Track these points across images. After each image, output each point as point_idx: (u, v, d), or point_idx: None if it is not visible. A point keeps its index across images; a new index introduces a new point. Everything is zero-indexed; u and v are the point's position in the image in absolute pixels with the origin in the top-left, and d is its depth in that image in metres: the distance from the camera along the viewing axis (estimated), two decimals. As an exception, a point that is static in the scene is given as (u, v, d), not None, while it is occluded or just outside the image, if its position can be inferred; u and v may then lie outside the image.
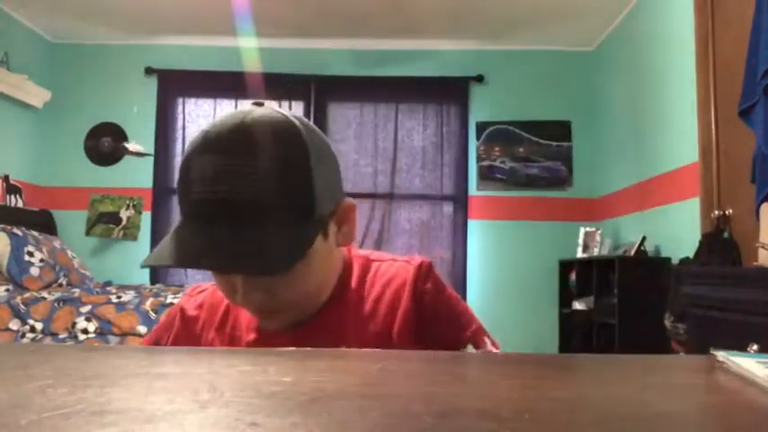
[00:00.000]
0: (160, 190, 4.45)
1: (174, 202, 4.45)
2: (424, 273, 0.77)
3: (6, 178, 3.99)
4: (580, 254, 3.94)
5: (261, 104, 0.69)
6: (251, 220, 0.63)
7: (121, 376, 0.44)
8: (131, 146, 4.10)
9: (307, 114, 4.46)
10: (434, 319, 0.75)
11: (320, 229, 0.69)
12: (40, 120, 4.36)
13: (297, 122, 0.68)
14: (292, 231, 0.65)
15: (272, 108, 0.69)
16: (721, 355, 0.52)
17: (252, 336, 0.76)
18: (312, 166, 0.66)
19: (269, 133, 0.65)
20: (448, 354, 0.69)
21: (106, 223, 4.42)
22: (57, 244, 3.81)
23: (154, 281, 4.30)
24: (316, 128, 0.72)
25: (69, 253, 3.86)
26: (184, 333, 0.80)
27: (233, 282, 0.68)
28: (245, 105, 0.69)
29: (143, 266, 0.65)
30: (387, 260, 0.80)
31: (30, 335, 2.80)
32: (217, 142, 0.64)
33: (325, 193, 0.68)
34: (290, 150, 0.66)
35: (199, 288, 0.86)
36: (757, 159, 1.95)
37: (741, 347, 0.55)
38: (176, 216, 3.68)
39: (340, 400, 0.37)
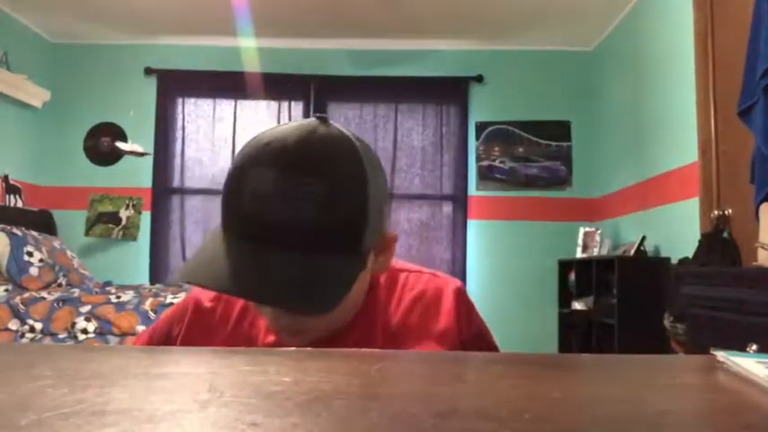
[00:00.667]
0: (160, 190, 4.45)
1: (174, 203, 4.46)
2: (466, 298, 0.77)
3: (6, 178, 3.99)
4: (579, 254, 3.94)
5: (325, 119, 0.65)
6: (301, 248, 0.59)
7: (121, 376, 0.44)
8: (125, 146, 4.10)
9: (306, 114, 4.46)
10: (473, 344, 0.75)
11: (365, 262, 0.66)
12: (40, 120, 4.36)
13: (359, 147, 0.64)
14: (340, 266, 0.61)
15: (337, 127, 0.65)
16: (721, 355, 0.52)
17: (270, 338, 0.73)
18: (369, 198, 0.62)
19: (333, 158, 0.61)
20: (448, 354, 0.69)
21: (106, 223, 4.42)
22: (56, 244, 3.81)
23: (153, 281, 4.31)
24: (372, 149, 0.68)
25: (69, 253, 3.86)
26: (198, 324, 0.77)
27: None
28: (310, 119, 0.64)
29: (182, 281, 0.59)
30: (413, 271, 0.79)
31: (29, 335, 2.80)
32: (277, 157, 0.59)
33: (375, 226, 0.65)
34: (351, 180, 0.61)
35: None
36: (756, 159, 1.95)
37: (741, 347, 0.55)
38: (176, 216, 3.64)
39: (340, 400, 0.37)
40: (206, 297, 0.78)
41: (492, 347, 0.78)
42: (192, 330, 0.77)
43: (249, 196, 0.59)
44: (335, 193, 0.60)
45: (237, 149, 3.66)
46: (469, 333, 0.75)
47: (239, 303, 0.77)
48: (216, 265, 0.60)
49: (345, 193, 0.61)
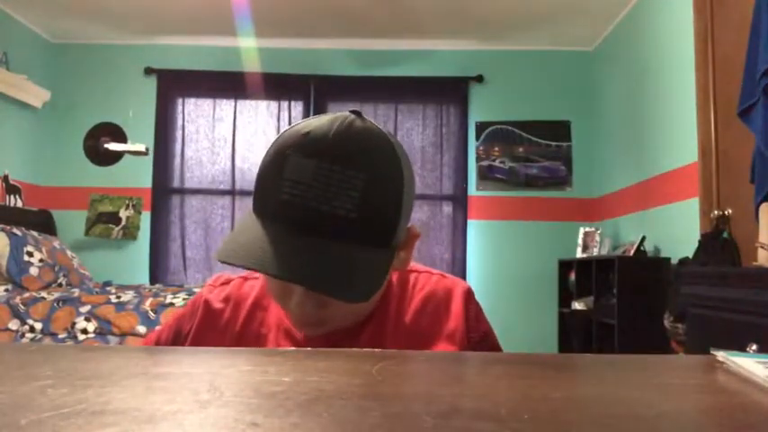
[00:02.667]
0: (159, 190, 4.45)
1: (174, 203, 4.46)
2: (474, 299, 0.78)
3: (6, 178, 3.99)
4: (579, 254, 3.95)
5: (359, 113, 0.66)
6: (339, 236, 0.60)
7: (121, 376, 0.44)
8: (119, 146, 4.11)
9: (306, 114, 4.46)
10: (480, 345, 0.76)
11: (394, 256, 0.66)
12: (40, 120, 4.36)
13: (394, 143, 0.66)
14: (375, 257, 0.62)
15: (372, 121, 0.67)
16: (721, 355, 0.52)
17: (282, 340, 0.74)
18: (404, 193, 0.64)
19: (372, 150, 0.62)
20: (448, 354, 0.69)
21: (105, 223, 4.42)
22: (56, 244, 3.81)
23: (153, 281, 4.31)
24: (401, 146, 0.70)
25: (69, 253, 3.86)
26: (208, 325, 0.77)
27: (290, 289, 0.66)
28: (344, 112, 0.65)
29: (221, 260, 0.59)
30: (422, 272, 0.80)
31: (29, 335, 2.80)
32: (319, 146, 0.60)
33: (405, 221, 0.67)
34: (389, 174, 0.63)
35: (222, 279, 0.82)
36: (756, 159, 1.95)
37: (741, 347, 0.55)
38: (176, 216, 3.64)
39: (340, 400, 0.37)
40: (215, 298, 0.79)
41: (496, 349, 0.79)
42: (202, 329, 0.78)
43: (289, 183, 0.60)
44: (374, 186, 0.60)
45: (237, 149, 3.67)
46: (477, 333, 0.75)
47: (247, 304, 0.78)
48: (254, 247, 0.60)
49: (383, 186, 0.62)
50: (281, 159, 0.61)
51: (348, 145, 0.61)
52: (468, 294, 0.78)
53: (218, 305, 0.78)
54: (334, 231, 0.60)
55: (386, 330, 0.74)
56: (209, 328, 0.77)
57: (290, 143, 0.62)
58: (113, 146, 4.14)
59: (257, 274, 0.81)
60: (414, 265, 0.80)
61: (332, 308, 0.67)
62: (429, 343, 0.73)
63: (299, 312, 0.67)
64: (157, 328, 0.87)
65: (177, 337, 0.79)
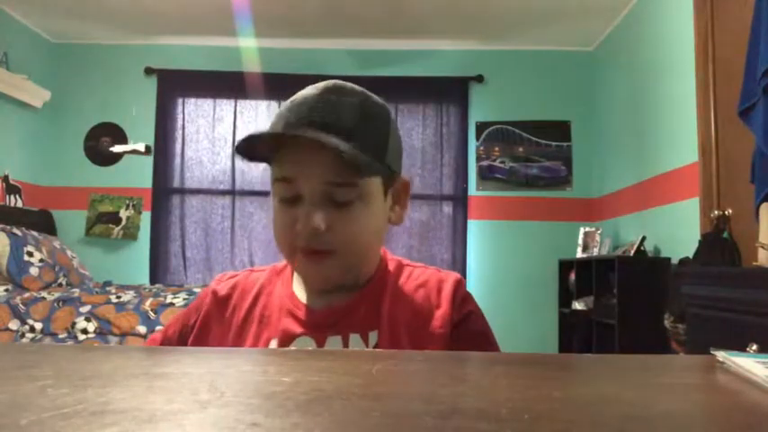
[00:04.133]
0: (160, 190, 4.45)
1: (174, 203, 4.46)
2: (463, 287, 0.82)
3: (6, 178, 3.99)
4: (580, 254, 3.94)
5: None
6: (342, 139, 0.70)
7: (121, 376, 0.44)
8: (121, 147, 4.12)
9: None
10: (463, 327, 0.78)
11: (387, 174, 0.76)
12: (40, 120, 4.36)
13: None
14: (372, 159, 0.72)
15: None
16: (721, 355, 0.52)
17: (283, 320, 0.78)
18: (390, 124, 0.77)
19: (363, 91, 0.76)
20: (448, 354, 0.69)
21: (106, 223, 4.42)
22: (56, 244, 3.81)
23: (153, 281, 4.31)
24: None
25: (69, 253, 3.86)
26: (214, 314, 0.82)
27: (295, 213, 0.72)
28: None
29: (239, 146, 0.72)
30: (418, 266, 0.86)
31: (29, 335, 2.80)
32: (318, 86, 0.75)
33: (394, 152, 0.77)
34: (378, 107, 0.76)
35: (229, 274, 0.88)
36: (756, 159, 1.95)
37: (741, 347, 0.55)
38: (176, 216, 3.64)
39: (340, 400, 0.37)
40: (223, 287, 0.84)
41: (485, 333, 0.81)
42: (208, 317, 0.83)
43: (295, 112, 0.73)
44: (365, 108, 0.73)
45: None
46: (459, 314, 0.78)
47: (253, 291, 0.83)
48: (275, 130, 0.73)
49: (375, 111, 0.75)
50: (290, 100, 0.75)
51: (342, 85, 0.75)
52: (458, 283, 0.81)
53: (225, 292, 0.84)
54: (336, 135, 0.69)
55: (381, 309, 0.78)
56: (216, 315, 0.82)
57: (298, 93, 0.76)
58: (117, 148, 4.14)
59: (263, 267, 0.87)
60: (411, 262, 0.86)
61: (335, 227, 0.72)
62: (420, 324, 0.77)
63: (306, 225, 0.71)
64: (159, 328, 0.90)
65: (184, 330, 0.83)
